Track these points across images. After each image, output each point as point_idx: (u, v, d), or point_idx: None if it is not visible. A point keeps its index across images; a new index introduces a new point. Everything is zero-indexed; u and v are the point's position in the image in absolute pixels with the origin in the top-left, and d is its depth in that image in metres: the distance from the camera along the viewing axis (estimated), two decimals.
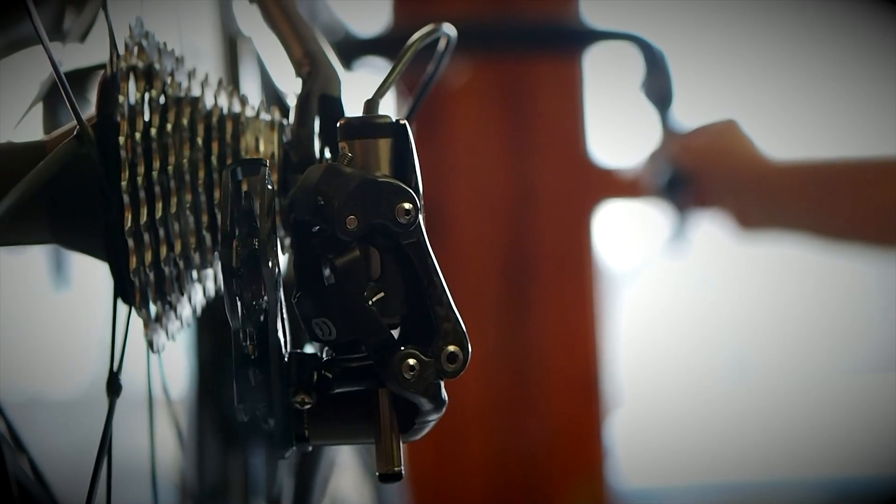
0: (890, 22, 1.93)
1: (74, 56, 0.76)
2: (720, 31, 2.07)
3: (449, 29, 0.65)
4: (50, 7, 0.77)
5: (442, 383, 0.57)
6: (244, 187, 0.55)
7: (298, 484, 1.01)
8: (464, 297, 2.02)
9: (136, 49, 0.62)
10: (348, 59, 1.38)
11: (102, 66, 0.62)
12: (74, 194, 0.61)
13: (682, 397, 2.19)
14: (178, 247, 0.61)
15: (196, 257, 0.62)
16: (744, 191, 1.31)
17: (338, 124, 0.58)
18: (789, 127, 2.04)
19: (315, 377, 0.56)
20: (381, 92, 0.59)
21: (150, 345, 0.63)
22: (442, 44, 0.66)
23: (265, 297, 0.54)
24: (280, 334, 0.55)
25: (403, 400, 0.57)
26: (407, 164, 0.57)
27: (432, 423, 0.58)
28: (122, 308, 0.63)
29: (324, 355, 0.58)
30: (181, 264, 0.62)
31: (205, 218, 0.61)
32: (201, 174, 0.61)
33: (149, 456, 0.75)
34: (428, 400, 0.56)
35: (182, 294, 0.63)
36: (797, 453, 2.10)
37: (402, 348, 0.56)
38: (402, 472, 0.57)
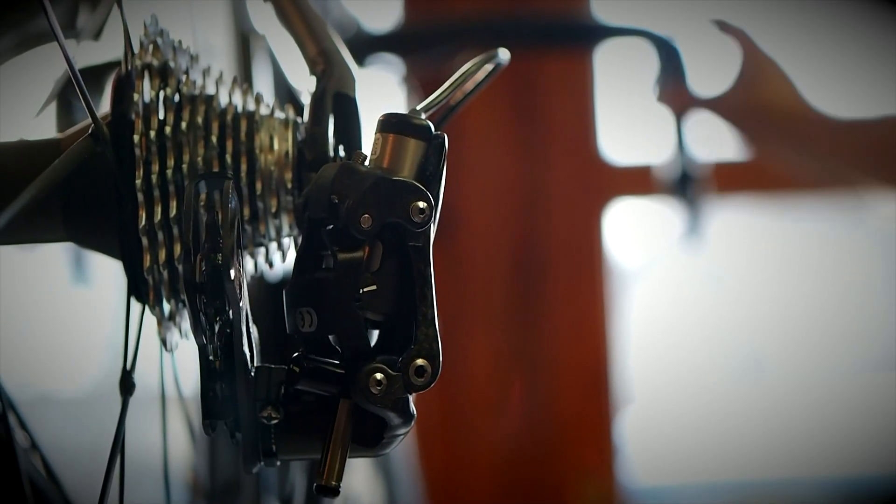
0: (890, 22, 1.93)
1: (89, 53, 0.76)
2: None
3: (504, 54, 0.64)
4: (64, 4, 0.77)
5: (411, 397, 0.56)
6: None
7: (310, 482, 1.01)
8: (474, 294, 2.02)
9: (150, 47, 0.62)
10: (360, 56, 1.38)
11: (117, 64, 0.62)
12: (89, 192, 0.61)
13: (692, 395, 2.19)
14: None
15: None
16: (789, 135, 1.33)
17: (379, 117, 0.57)
18: None
19: (282, 390, 0.56)
20: (426, 108, 0.59)
21: (164, 343, 0.63)
22: (491, 64, 0.64)
23: (230, 312, 0.54)
24: (246, 348, 0.55)
25: (372, 414, 0.56)
26: (434, 175, 0.57)
27: (401, 438, 0.57)
28: (136, 306, 0.63)
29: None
30: None
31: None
32: None
33: (161, 454, 0.75)
34: (396, 415, 0.56)
35: None
36: (809, 452, 2.10)
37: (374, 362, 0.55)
38: (340, 488, 0.56)
